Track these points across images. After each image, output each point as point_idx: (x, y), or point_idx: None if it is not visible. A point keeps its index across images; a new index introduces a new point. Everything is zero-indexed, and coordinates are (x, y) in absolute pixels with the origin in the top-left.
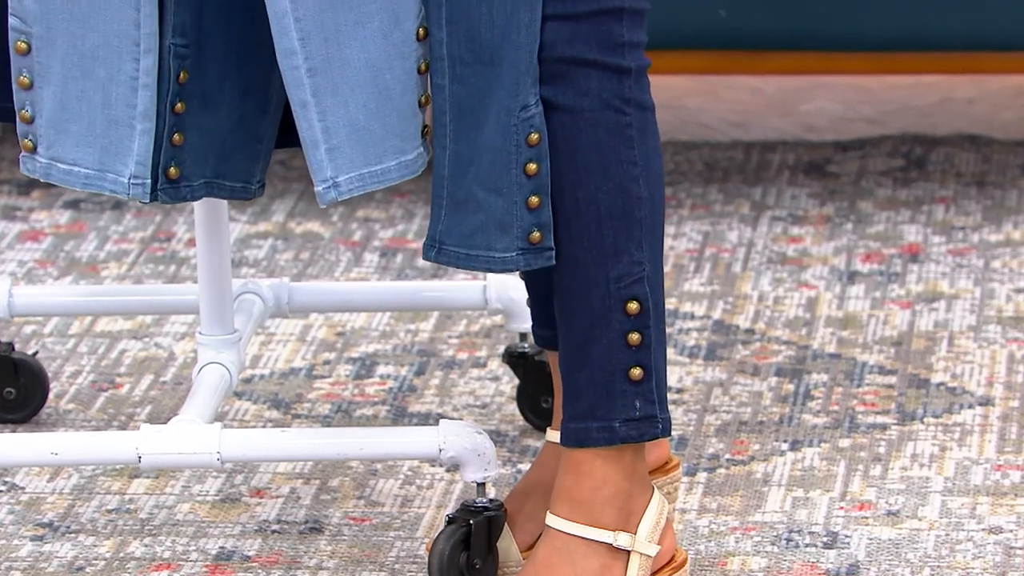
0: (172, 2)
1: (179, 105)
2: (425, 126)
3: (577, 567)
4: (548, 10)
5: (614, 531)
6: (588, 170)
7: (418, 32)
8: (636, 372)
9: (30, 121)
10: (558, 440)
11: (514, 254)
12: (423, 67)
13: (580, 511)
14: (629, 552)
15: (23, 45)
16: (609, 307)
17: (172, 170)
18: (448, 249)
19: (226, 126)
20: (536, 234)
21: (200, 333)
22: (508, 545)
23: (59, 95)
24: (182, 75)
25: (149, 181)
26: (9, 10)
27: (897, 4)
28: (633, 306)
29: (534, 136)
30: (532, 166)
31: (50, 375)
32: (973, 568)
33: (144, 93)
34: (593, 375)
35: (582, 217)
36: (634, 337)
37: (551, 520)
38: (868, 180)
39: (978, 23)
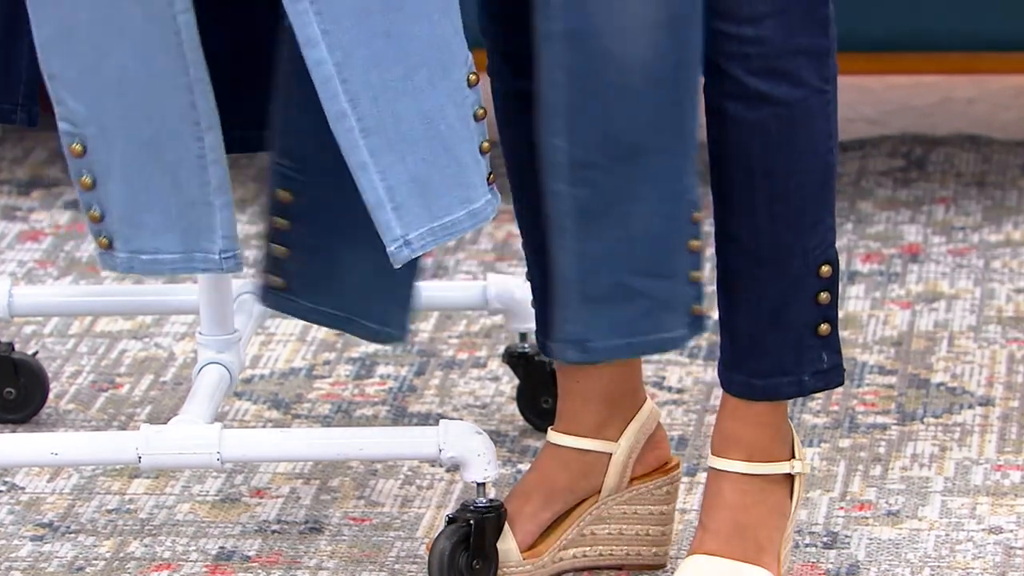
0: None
1: (281, 221)
2: (490, 172)
3: (769, 502)
4: (763, 7)
5: (788, 461)
6: (799, 155)
7: (468, 79)
8: (824, 327)
9: (100, 220)
10: (559, 442)
11: (684, 330)
12: (480, 113)
13: (761, 454)
14: (793, 475)
15: (78, 148)
16: (805, 274)
17: (276, 279)
18: (599, 345)
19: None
20: (698, 306)
21: (200, 333)
22: (508, 546)
23: (126, 189)
24: (283, 194)
25: (240, 251)
26: (57, 115)
27: (897, 4)
28: (825, 269)
29: (697, 215)
30: (695, 243)
31: (50, 375)
32: (973, 568)
33: (214, 169)
34: (785, 336)
35: (790, 198)
36: (824, 296)
37: (731, 466)
38: (868, 180)
39: (978, 23)
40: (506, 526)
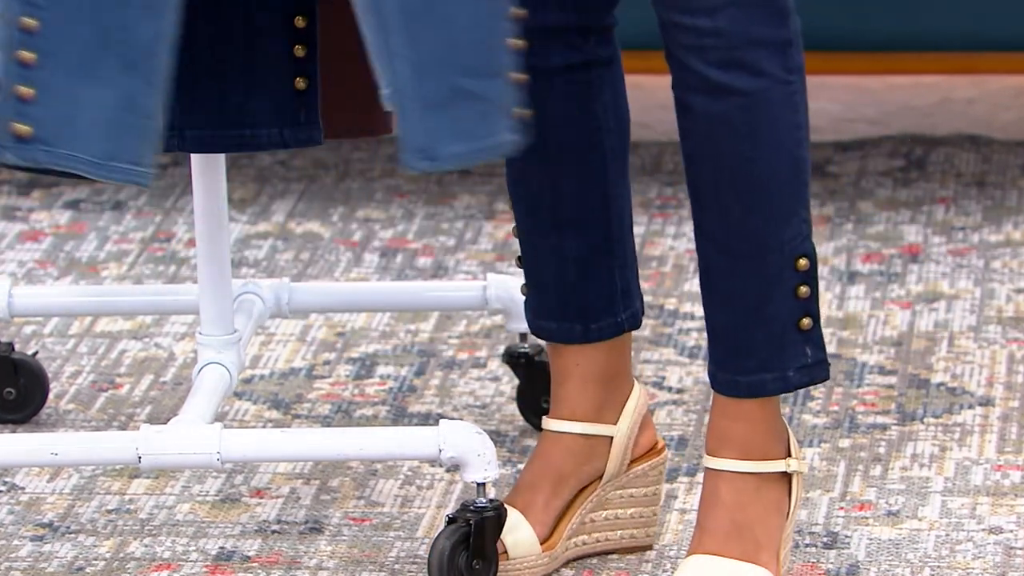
0: None
1: (27, 54)
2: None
3: (765, 500)
4: None
5: (784, 459)
6: (765, 145)
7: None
8: (805, 322)
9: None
10: (560, 428)
11: (512, 135)
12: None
13: (755, 452)
14: (790, 474)
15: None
16: (782, 267)
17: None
18: (443, 152)
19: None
20: (519, 109)
21: (200, 333)
22: (527, 539)
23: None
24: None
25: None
26: None
27: (897, 4)
28: (803, 262)
29: (517, 12)
30: (516, 41)
31: (50, 375)
32: (973, 568)
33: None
34: (767, 331)
35: (760, 190)
36: (803, 290)
37: (725, 464)
38: (868, 180)
39: (978, 23)
40: (522, 519)
